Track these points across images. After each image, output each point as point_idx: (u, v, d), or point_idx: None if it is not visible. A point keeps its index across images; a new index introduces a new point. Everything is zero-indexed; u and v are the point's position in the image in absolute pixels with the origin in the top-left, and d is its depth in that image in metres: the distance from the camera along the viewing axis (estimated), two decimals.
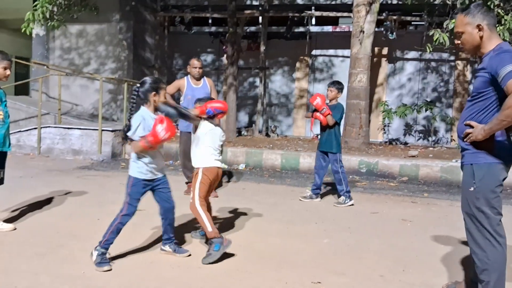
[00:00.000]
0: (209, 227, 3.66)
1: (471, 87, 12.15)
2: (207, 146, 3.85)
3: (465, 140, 2.71)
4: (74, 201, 5.61)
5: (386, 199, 6.47)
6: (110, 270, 3.37)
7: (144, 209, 5.23)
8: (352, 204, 5.88)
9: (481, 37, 2.65)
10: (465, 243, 4.39)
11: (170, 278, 3.30)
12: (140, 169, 3.58)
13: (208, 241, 3.73)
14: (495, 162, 2.66)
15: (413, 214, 5.57)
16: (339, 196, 6.04)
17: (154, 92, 3.47)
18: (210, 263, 3.54)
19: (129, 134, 3.45)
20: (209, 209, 3.99)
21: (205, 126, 3.86)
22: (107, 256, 3.46)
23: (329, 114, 5.78)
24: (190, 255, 3.75)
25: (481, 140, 2.62)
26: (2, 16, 14.84)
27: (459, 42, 2.78)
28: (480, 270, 2.71)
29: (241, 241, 4.15)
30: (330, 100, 5.98)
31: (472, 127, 2.66)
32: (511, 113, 2.43)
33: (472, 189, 2.69)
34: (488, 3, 8.40)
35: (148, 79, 3.56)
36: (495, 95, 2.60)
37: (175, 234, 3.85)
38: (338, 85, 5.99)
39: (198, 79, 6.31)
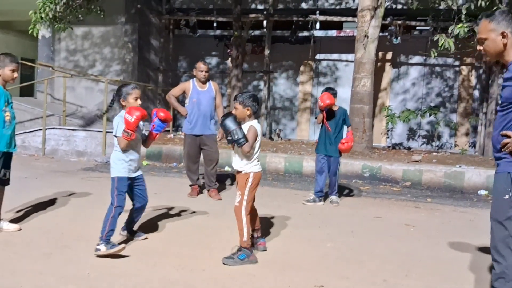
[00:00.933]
0: (245, 236, 3.72)
1: (475, 92, 12.15)
2: (256, 151, 3.83)
3: (503, 150, 2.65)
4: (79, 202, 5.64)
5: (389, 204, 6.47)
6: (124, 248, 3.75)
7: (148, 211, 5.26)
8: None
9: (504, 45, 2.62)
10: (468, 248, 4.40)
11: (173, 280, 3.31)
12: (122, 168, 3.95)
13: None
14: None
15: (416, 219, 5.58)
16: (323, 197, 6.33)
17: (122, 98, 3.98)
18: (227, 265, 3.63)
19: (113, 133, 3.93)
20: (255, 215, 3.98)
21: (256, 131, 3.79)
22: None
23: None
24: (146, 238, 4.22)
25: None
26: (8, 17, 14.95)
27: (481, 48, 2.74)
28: (496, 277, 2.68)
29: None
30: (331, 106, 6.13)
31: (509, 136, 2.61)
32: None
33: (507, 197, 2.63)
34: (493, 10, 8.41)
35: (119, 87, 4.07)
36: None
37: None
38: (332, 91, 6.12)
39: (204, 82, 6.34)
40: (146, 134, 4.23)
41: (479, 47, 2.77)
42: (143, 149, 9.86)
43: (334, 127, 6.13)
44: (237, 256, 3.66)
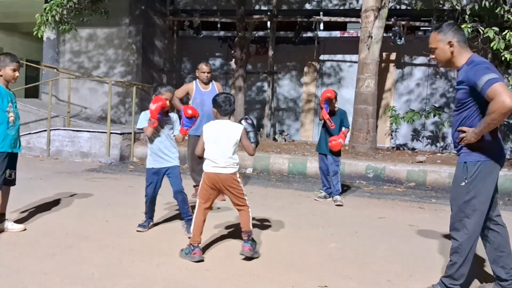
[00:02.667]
0: (192, 231, 3.86)
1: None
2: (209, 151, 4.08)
3: (459, 143, 3.04)
4: (83, 203, 5.66)
5: (393, 205, 6.46)
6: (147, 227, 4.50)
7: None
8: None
9: (451, 52, 3.00)
10: None
11: (177, 280, 3.32)
12: (148, 160, 4.49)
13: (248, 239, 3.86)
14: (486, 160, 2.96)
15: (420, 220, 5.56)
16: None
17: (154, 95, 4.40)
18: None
19: (137, 126, 4.49)
20: (242, 216, 3.97)
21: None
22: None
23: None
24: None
25: (474, 142, 2.93)
26: (14, 20, 15.04)
27: (433, 56, 3.13)
28: (452, 251, 3.07)
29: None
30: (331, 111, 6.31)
31: (464, 132, 2.98)
32: (496, 116, 2.76)
33: (463, 184, 3.00)
34: (497, 10, 8.40)
35: (156, 87, 4.51)
36: (476, 103, 2.94)
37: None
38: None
39: (207, 83, 6.35)
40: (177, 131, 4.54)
41: (431, 56, 3.16)
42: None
43: (336, 127, 6.23)
44: (185, 250, 3.80)
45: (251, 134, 3.93)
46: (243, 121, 3.93)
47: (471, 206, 2.96)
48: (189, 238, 3.94)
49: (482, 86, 2.79)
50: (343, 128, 6.28)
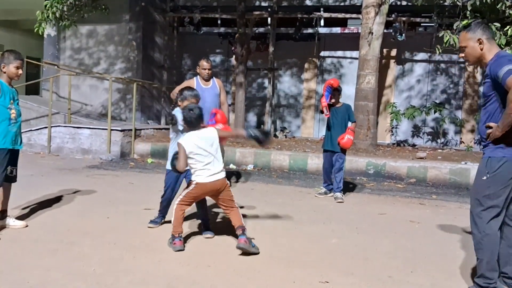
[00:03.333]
0: (173, 226, 3.96)
1: (481, 88, 12.09)
2: (199, 162, 4.06)
3: (487, 139, 3.04)
4: (84, 199, 5.66)
5: (394, 201, 6.47)
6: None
7: (154, 208, 5.29)
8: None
9: (481, 49, 3.08)
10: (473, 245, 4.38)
11: (179, 275, 3.33)
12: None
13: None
14: (511, 157, 2.95)
15: (421, 216, 5.57)
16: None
17: (180, 100, 4.38)
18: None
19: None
20: (233, 215, 4.01)
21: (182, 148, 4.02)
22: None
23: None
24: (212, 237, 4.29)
25: (500, 138, 2.94)
26: (14, 17, 15.03)
27: (462, 55, 3.20)
28: (475, 248, 3.10)
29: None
30: (335, 104, 6.24)
31: (491, 128, 2.99)
32: None
33: (485, 178, 3.01)
34: (498, 6, 8.37)
35: (181, 90, 4.52)
36: (500, 97, 2.96)
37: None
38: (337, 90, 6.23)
39: (208, 79, 6.34)
40: None
41: (460, 55, 3.23)
42: (147, 147, 9.84)
43: (340, 124, 6.19)
44: (169, 239, 3.98)
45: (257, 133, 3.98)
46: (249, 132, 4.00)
47: (491, 201, 2.98)
48: (206, 238, 4.23)
49: (502, 76, 2.83)
50: (349, 123, 6.18)
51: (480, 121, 3.16)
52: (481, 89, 12.04)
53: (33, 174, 7.14)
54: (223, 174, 3.89)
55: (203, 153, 3.80)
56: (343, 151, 6.25)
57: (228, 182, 3.95)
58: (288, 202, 6.04)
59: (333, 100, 6.20)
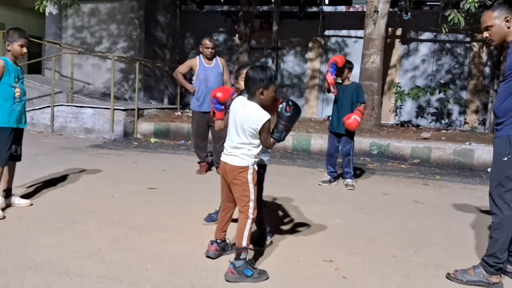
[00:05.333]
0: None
1: (486, 69, 11.98)
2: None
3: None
4: (88, 178, 5.68)
5: (398, 181, 6.46)
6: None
7: (158, 187, 5.31)
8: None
9: (508, 27, 3.04)
10: (478, 225, 4.39)
11: (184, 254, 3.34)
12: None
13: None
14: None
15: (425, 196, 5.57)
16: (340, 178, 6.14)
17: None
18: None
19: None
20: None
21: None
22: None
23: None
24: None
25: None
26: None
27: (486, 35, 3.13)
28: (494, 228, 3.03)
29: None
30: (343, 81, 5.84)
31: None
32: None
33: (506, 159, 2.95)
34: None
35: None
36: None
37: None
38: (348, 64, 5.77)
39: (211, 58, 6.29)
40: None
41: (485, 35, 3.14)
42: (150, 127, 9.84)
43: (348, 104, 5.74)
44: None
45: (280, 127, 3.03)
46: (282, 105, 3.06)
47: None
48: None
49: None
50: (358, 104, 5.73)
51: (497, 97, 3.06)
52: (486, 69, 11.94)
53: (36, 153, 7.15)
54: (231, 159, 3.03)
55: (229, 124, 3.11)
56: (350, 134, 5.79)
57: (243, 176, 3.01)
58: (292, 182, 6.04)
59: (338, 79, 5.77)
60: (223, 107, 3.31)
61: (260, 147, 3.06)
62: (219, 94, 3.27)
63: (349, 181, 5.88)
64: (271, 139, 3.01)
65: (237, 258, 2.98)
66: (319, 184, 5.95)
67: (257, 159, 3.08)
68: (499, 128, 3.04)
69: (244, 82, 3.07)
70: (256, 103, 3.00)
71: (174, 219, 4.19)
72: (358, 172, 6.93)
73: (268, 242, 3.57)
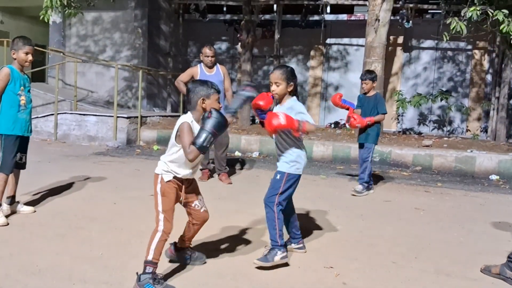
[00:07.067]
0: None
1: (488, 76, 12.01)
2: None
3: None
4: (91, 185, 5.72)
5: (399, 188, 6.48)
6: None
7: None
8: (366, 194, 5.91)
9: None
10: (478, 232, 4.40)
11: None
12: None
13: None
14: None
15: (426, 203, 5.58)
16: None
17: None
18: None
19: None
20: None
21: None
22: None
23: (369, 121, 5.77)
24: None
25: None
26: (19, 3, 15.00)
27: None
28: None
29: (255, 227, 4.22)
30: (368, 92, 5.94)
31: None
32: None
33: None
34: None
35: None
36: None
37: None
38: (370, 75, 5.91)
39: (211, 67, 6.35)
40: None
41: None
42: (153, 134, 9.85)
43: (369, 114, 5.83)
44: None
45: (202, 133, 2.80)
46: (205, 113, 2.89)
47: None
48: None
49: None
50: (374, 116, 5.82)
51: None
52: (488, 77, 11.97)
53: (40, 160, 7.20)
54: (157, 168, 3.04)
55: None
56: (371, 139, 5.86)
57: (157, 183, 3.01)
58: None
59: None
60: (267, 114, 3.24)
61: (175, 156, 2.94)
62: (261, 103, 3.30)
63: (358, 186, 5.88)
64: (192, 146, 2.81)
65: (143, 272, 2.87)
66: (353, 195, 5.83)
67: (168, 169, 2.95)
68: None
69: (186, 95, 3.04)
70: (196, 112, 2.97)
71: (175, 226, 4.20)
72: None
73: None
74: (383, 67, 9.73)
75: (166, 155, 3.01)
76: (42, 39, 14.85)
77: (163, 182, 2.97)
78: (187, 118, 2.96)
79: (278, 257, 3.26)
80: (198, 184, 3.29)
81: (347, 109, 5.90)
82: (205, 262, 3.33)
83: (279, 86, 3.37)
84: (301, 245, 3.67)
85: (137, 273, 2.88)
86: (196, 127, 2.93)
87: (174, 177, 2.98)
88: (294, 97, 3.46)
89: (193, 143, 2.81)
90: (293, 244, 3.66)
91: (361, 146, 6.01)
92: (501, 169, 7.63)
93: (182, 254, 3.33)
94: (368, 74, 5.93)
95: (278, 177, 3.42)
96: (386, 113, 5.95)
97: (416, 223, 4.69)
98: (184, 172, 2.99)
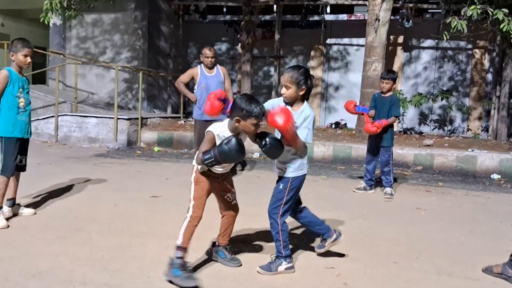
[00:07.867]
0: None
1: (488, 75, 12.00)
2: None
3: None
4: (92, 187, 5.71)
5: (400, 188, 6.46)
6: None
7: (161, 196, 5.34)
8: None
9: None
10: (480, 232, 4.39)
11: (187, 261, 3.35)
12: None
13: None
14: None
15: (427, 203, 5.57)
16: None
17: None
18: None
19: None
20: None
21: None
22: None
23: (382, 124, 5.66)
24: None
25: None
26: (20, 6, 15.02)
27: None
28: None
29: (256, 228, 4.21)
30: (386, 92, 5.85)
31: None
32: None
33: None
34: None
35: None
36: None
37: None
38: (392, 75, 5.82)
39: (211, 68, 6.35)
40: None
41: None
42: (154, 136, 9.87)
43: (384, 115, 5.77)
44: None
45: (210, 152, 2.87)
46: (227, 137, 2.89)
47: None
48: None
49: None
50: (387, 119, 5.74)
51: None
52: (489, 76, 11.95)
53: (40, 162, 7.20)
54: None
55: None
56: (387, 142, 5.81)
57: (193, 173, 3.18)
58: None
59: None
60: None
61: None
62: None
63: (388, 189, 5.85)
64: (201, 154, 2.88)
65: (175, 256, 3.01)
66: (354, 191, 6.02)
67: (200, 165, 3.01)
68: None
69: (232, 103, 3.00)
70: (231, 125, 2.96)
71: (177, 227, 4.19)
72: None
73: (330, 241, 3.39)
74: (383, 66, 9.73)
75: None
76: (43, 41, 14.87)
77: (197, 173, 3.12)
78: (217, 128, 2.99)
79: (282, 267, 3.23)
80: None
81: (362, 114, 5.86)
82: (240, 265, 3.32)
83: (288, 90, 3.20)
84: (334, 235, 3.40)
85: (170, 257, 3.04)
86: (226, 135, 2.92)
87: (209, 170, 3.08)
88: (306, 104, 3.27)
89: (203, 152, 2.88)
90: (328, 240, 3.41)
91: (372, 149, 5.96)
92: (502, 168, 7.61)
93: (218, 250, 3.42)
94: (391, 74, 5.81)
95: (281, 187, 3.34)
96: (399, 116, 5.91)
97: (417, 223, 4.67)
98: (215, 169, 3.10)
